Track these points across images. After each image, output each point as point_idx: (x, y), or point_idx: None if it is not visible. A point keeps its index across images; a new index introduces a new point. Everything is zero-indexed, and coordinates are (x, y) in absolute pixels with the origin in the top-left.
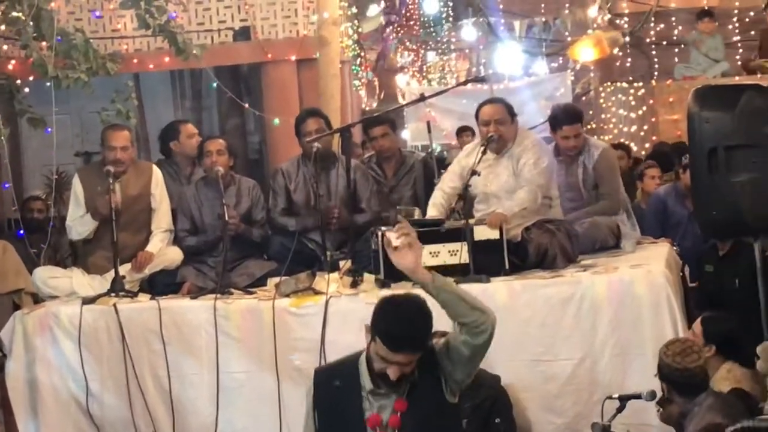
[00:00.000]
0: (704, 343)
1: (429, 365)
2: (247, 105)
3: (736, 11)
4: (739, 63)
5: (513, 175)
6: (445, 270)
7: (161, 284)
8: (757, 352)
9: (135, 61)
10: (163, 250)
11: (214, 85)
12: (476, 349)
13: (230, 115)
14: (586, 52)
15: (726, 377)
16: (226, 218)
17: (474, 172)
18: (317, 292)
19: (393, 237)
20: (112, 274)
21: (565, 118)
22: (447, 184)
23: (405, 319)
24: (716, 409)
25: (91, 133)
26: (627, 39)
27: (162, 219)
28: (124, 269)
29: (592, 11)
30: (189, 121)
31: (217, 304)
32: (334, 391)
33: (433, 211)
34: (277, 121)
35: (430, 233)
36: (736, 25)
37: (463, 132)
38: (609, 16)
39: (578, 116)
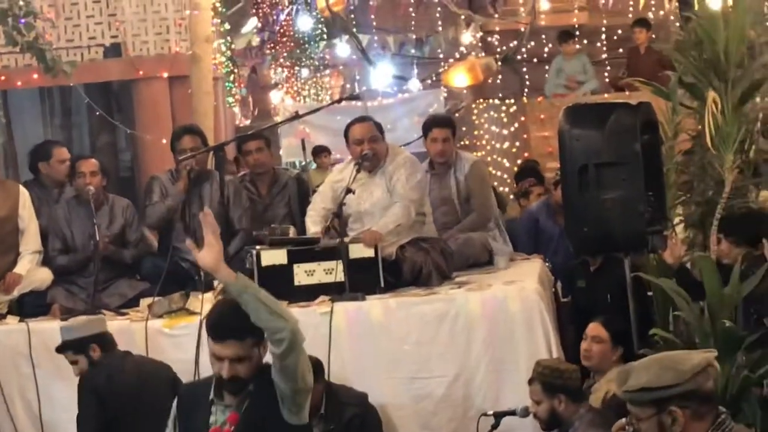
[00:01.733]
0: (612, 345)
1: (266, 382)
2: (118, 122)
3: (603, 29)
4: (608, 80)
5: (386, 192)
6: (320, 288)
7: (30, 306)
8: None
9: (2, 78)
10: (32, 271)
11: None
12: (280, 359)
13: (101, 132)
14: (459, 78)
15: (614, 380)
16: (97, 239)
17: (349, 190)
18: (191, 313)
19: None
20: None
21: (434, 121)
22: (319, 205)
23: (228, 308)
24: (596, 423)
25: None
26: (500, 64)
27: (30, 240)
28: None
29: (466, 37)
30: (64, 146)
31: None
32: (191, 403)
33: (315, 229)
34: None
35: (306, 252)
36: (605, 42)
37: (321, 153)
38: (481, 33)
39: (448, 121)
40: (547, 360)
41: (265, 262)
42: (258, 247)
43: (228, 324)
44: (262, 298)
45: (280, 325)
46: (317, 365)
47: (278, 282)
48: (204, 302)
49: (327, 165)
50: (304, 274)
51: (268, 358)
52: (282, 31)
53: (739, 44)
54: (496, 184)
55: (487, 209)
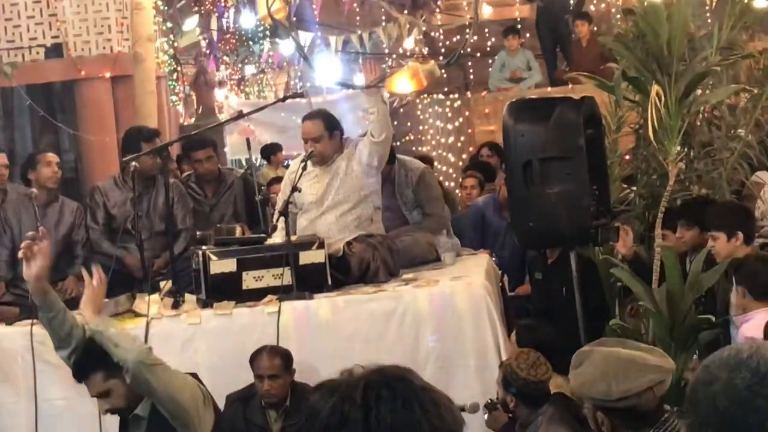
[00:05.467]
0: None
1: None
2: (61, 123)
3: None
4: None
5: (330, 183)
6: (269, 291)
7: None
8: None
9: None
10: None
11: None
12: (138, 387)
13: (44, 133)
14: (403, 84)
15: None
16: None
17: (295, 189)
18: (138, 315)
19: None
20: None
21: None
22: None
23: (80, 352)
24: (557, 418)
25: None
26: (443, 63)
27: None
28: None
29: (409, 42)
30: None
31: (34, 329)
32: None
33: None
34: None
35: (255, 260)
36: None
37: (273, 152)
38: (425, 27)
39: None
40: (527, 371)
41: (214, 270)
42: (204, 247)
43: (78, 365)
44: (108, 335)
45: (122, 357)
46: (287, 357)
47: (227, 286)
48: (150, 304)
49: (280, 161)
50: (252, 280)
51: None
52: (226, 28)
53: (682, 38)
54: (441, 179)
55: (441, 216)
